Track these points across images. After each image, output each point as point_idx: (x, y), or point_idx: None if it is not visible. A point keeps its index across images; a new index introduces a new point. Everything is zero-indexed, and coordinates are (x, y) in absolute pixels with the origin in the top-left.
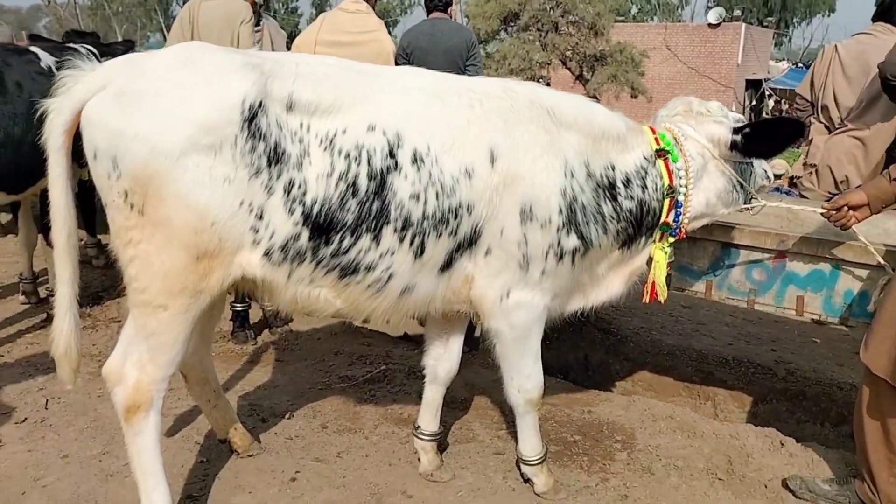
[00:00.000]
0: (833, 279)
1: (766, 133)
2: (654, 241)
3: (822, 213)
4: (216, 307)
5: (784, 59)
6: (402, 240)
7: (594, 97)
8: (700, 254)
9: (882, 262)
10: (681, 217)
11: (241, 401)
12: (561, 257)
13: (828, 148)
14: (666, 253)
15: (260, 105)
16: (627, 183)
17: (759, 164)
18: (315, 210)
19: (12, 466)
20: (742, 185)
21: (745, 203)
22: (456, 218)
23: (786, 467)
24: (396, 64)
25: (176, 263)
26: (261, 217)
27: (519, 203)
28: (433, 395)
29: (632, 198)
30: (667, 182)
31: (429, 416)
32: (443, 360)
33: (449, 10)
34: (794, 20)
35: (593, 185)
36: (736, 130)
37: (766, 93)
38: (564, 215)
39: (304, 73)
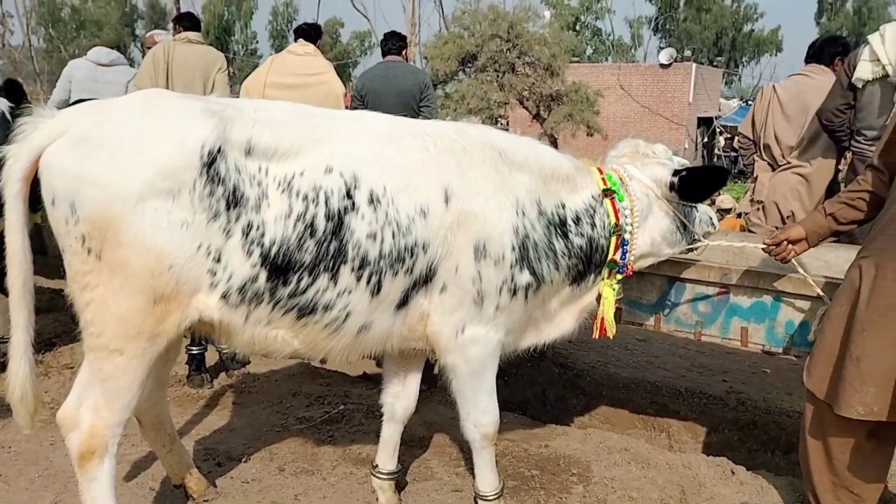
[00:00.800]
0: (774, 310)
1: (696, 178)
2: (603, 279)
3: (762, 248)
4: (172, 351)
5: (734, 97)
6: (359, 279)
7: (552, 136)
8: (648, 288)
9: (821, 293)
10: (627, 255)
11: (196, 445)
12: (514, 293)
13: (773, 185)
14: (614, 290)
15: (219, 150)
16: (577, 221)
17: (704, 210)
18: (273, 251)
19: None
20: (685, 227)
21: (688, 244)
22: (412, 256)
23: (736, 495)
24: (351, 105)
25: (133, 307)
26: (218, 260)
27: (473, 241)
28: (391, 433)
29: (581, 235)
30: (613, 220)
31: (386, 454)
32: (400, 397)
33: (404, 52)
34: (743, 59)
35: (544, 222)
36: (675, 173)
37: (718, 130)
38: (517, 252)
39: (263, 119)
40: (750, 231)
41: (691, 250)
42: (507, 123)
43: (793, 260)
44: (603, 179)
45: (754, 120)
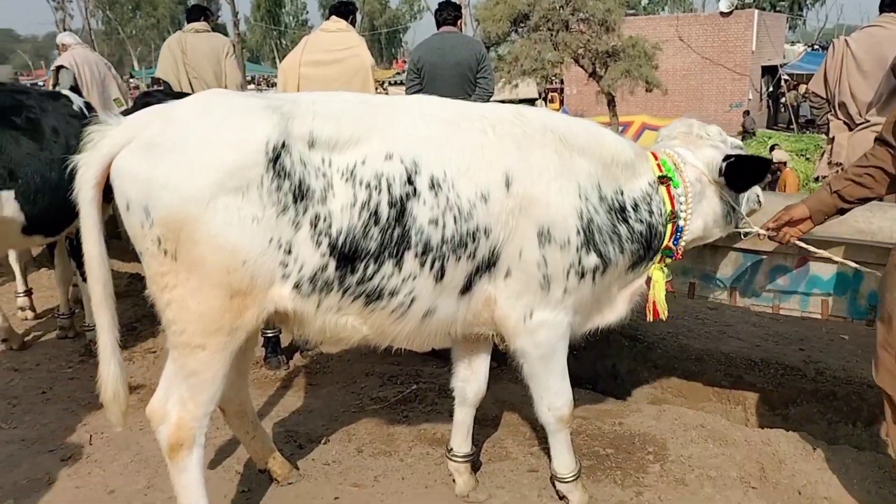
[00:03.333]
0: (857, 281)
1: (743, 168)
2: (654, 263)
3: (763, 232)
4: (250, 341)
5: (799, 43)
6: (422, 264)
7: (609, 93)
8: (723, 262)
9: (857, 266)
10: (679, 241)
11: (276, 427)
12: (582, 275)
13: (852, 145)
14: (664, 273)
15: (283, 145)
16: (636, 207)
17: (754, 189)
18: (340, 240)
19: None
20: (734, 209)
21: (736, 226)
22: (474, 241)
23: (818, 472)
24: (407, 78)
25: (212, 304)
26: (289, 252)
27: (536, 225)
28: (463, 416)
29: (641, 221)
30: (669, 208)
31: (460, 437)
32: (471, 381)
33: (459, 22)
34: (808, 2)
35: (606, 207)
36: (725, 158)
37: (783, 79)
38: (583, 236)
39: (322, 112)
40: None
41: (739, 233)
42: (563, 83)
43: (798, 243)
44: (658, 165)
45: (826, 77)
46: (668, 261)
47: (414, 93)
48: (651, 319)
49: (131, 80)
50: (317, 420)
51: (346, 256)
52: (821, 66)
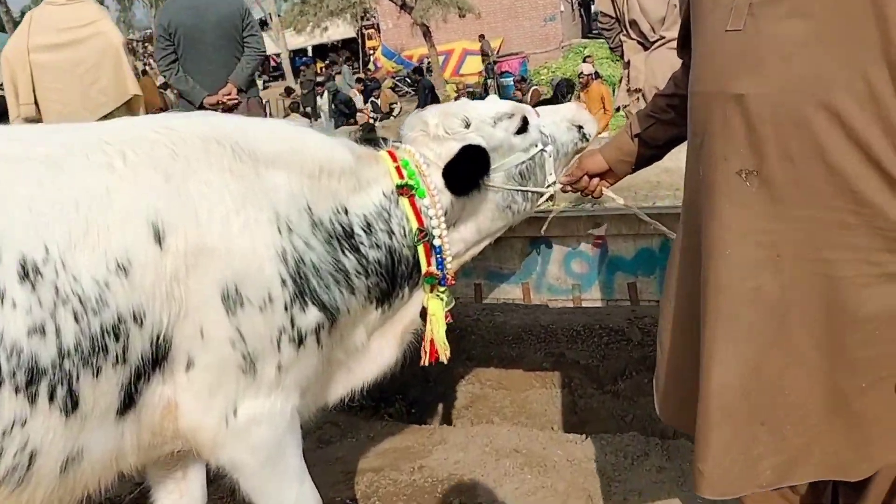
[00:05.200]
0: (664, 255)
1: (455, 172)
2: (425, 291)
3: (562, 189)
4: None
5: None
6: (32, 398)
7: (424, 25)
8: (508, 254)
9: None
10: (444, 263)
11: None
12: (301, 341)
13: (650, 67)
14: (443, 300)
15: None
16: (369, 229)
17: (561, 126)
18: None
19: None
20: (523, 189)
21: (543, 199)
22: (118, 339)
23: (654, 486)
24: (159, 48)
25: None
26: None
27: (217, 286)
28: None
29: (378, 246)
30: (415, 224)
31: None
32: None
33: None
34: None
35: (324, 236)
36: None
37: None
38: (291, 285)
39: None
40: None
41: (550, 205)
42: (378, 18)
43: (607, 192)
44: (398, 169)
45: None
46: (444, 288)
47: (168, 65)
48: (427, 362)
49: None
50: None
51: None
52: None
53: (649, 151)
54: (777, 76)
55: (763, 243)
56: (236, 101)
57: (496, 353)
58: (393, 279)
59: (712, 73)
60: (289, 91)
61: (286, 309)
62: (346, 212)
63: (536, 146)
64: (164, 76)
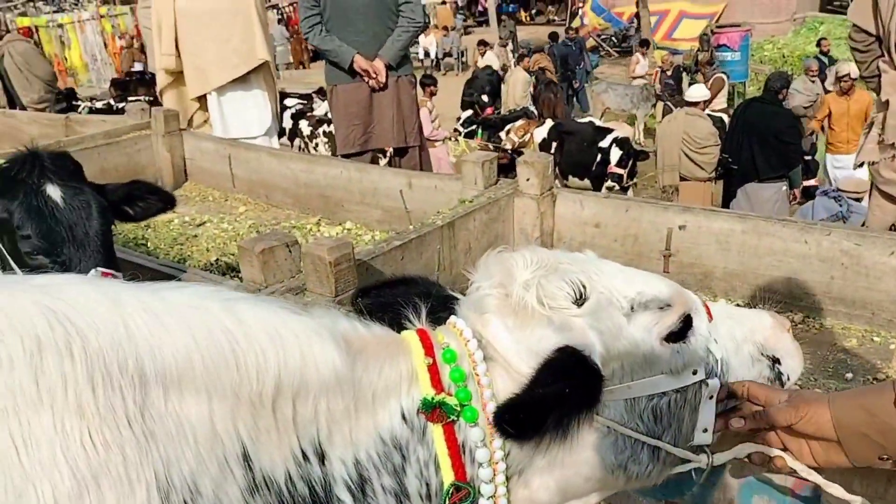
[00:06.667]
0: None
1: (514, 410)
2: None
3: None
4: None
5: None
6: None
7: None
8: None
9: None
10: None
11: None
12: None
13: None
14: None
15: None
16: (361, 489)
17: (747, 339)
18: None
19: None
20: (656, 444)
21: (685, 466)
22: None
23: None
24: (304, 8)
25: None
26: None
27: None
28: None
29: None
30: (450, 476)
31: None
32: None
33: None
34: None
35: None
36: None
37: None
38: None
39: None
40: (884, 194)
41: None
42: None
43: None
44: (433, 369)
45: (878, 6)
46: None
47: (312, 26)
48: None
49: None
50: None
51: None
52: None
53: None
54: None
55: None
56: (382, 83)
57: None
58: None
59: None
60: (482, 44)
61: None
62: (324, 458)
63: (695, 372)
64: (308, 37)
